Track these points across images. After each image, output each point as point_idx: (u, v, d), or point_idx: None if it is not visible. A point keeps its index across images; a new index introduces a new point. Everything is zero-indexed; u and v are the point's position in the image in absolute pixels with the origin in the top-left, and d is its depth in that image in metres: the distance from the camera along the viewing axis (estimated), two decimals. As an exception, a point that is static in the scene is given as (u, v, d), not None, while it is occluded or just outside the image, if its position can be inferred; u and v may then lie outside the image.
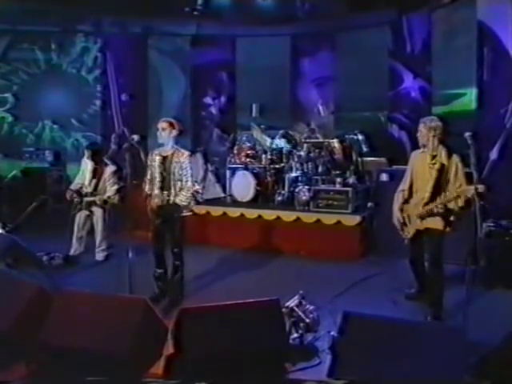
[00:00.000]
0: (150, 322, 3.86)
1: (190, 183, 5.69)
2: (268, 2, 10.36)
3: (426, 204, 5.24)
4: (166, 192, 5.69)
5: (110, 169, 7.78)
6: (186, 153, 5.79)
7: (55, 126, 11.68)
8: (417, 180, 5.49)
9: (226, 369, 3.67)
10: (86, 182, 7.74)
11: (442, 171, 5.22)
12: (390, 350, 3.57)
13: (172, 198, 5.67)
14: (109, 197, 7.55)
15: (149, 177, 5.84)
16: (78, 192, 7.68)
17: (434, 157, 5.31)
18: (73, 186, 7.82)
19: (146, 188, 5.87)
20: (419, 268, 5.65)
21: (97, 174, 7.73)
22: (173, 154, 5.71)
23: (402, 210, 5.55)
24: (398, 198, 5.60)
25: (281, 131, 9.31)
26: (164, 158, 5.74)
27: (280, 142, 9.11)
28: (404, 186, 5.60)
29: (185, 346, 3.67)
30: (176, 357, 3.83)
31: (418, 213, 5.34)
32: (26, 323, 4.01)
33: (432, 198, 5.21)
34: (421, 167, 5.42)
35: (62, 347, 3.79)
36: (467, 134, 4.84)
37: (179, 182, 5.68)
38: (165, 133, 5.71)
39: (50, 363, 3.83)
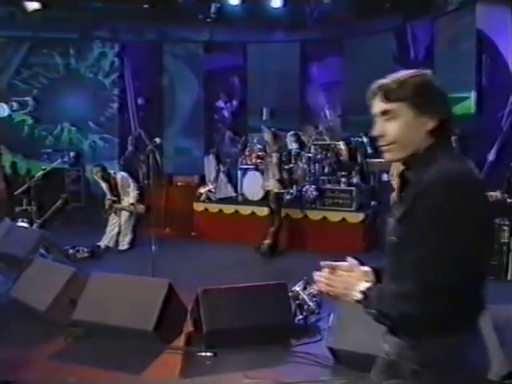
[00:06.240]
0: (172, 302, 4.35)
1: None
2: (278, 10, 10.67)
3: None
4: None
5: (120, 174, 8.51)
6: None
7: (73, 129, 12.01)
8: None
9: (238, 342, 4.15)
10: (108, 195, 8.40)
11: None
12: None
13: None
14: (132, 203, 8.20)
15: None
16: (114, 201, 8.37)
17: None
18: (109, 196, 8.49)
19: None
20: None
21: (112, 185, 8.38)
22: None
23: None
24: None
25: (290, 132, 9.61)
26: None
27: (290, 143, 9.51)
28: None
29: (204, 322, 4.15)
30: (194, 334, 4.33)
31: None
32: (63, 303, 4.51)
33: None
34: None
35: (94, 323, 4.30)
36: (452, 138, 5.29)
37: None
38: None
39: (83, 337, 4.34)
